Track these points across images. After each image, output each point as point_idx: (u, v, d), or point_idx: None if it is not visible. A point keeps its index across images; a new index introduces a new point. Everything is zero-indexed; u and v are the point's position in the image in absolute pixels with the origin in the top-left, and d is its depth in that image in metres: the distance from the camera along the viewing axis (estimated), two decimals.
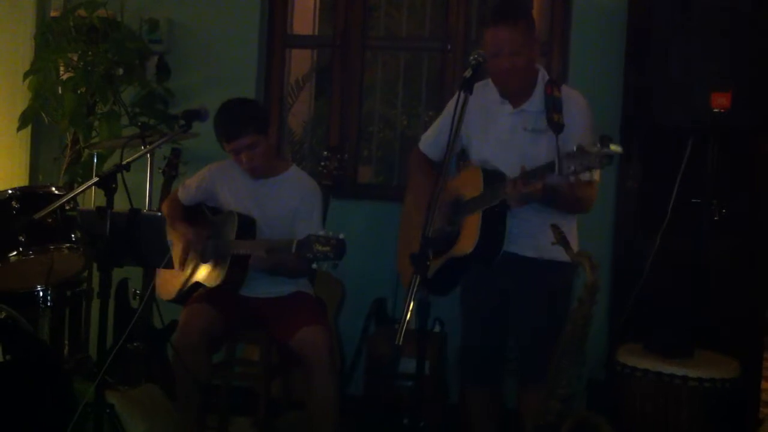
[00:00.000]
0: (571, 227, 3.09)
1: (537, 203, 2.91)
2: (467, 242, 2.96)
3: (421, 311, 2.55)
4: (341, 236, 2.99)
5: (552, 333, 2.90)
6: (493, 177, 2.95)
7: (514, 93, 3.04)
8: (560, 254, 2.92)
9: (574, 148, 2.52)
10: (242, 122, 3.36)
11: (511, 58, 2.92)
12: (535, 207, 2.95)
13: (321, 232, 3.01)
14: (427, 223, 2.53)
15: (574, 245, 3.04)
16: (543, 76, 3.04)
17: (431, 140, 3.31)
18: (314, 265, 3.05)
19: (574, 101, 2.98)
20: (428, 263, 2.50)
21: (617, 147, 2.47)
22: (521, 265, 3.04)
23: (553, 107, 2.80)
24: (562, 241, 2.93)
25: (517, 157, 2.90)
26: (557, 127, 2.70)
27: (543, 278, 3.05)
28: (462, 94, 2.66)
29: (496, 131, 3.05)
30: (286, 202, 3.46)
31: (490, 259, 2.99)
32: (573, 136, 2.75)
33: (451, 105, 3.26)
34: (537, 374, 2.96)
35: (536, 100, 2.99)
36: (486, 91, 3.05)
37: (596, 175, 2.83)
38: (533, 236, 3.01)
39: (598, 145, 2.47)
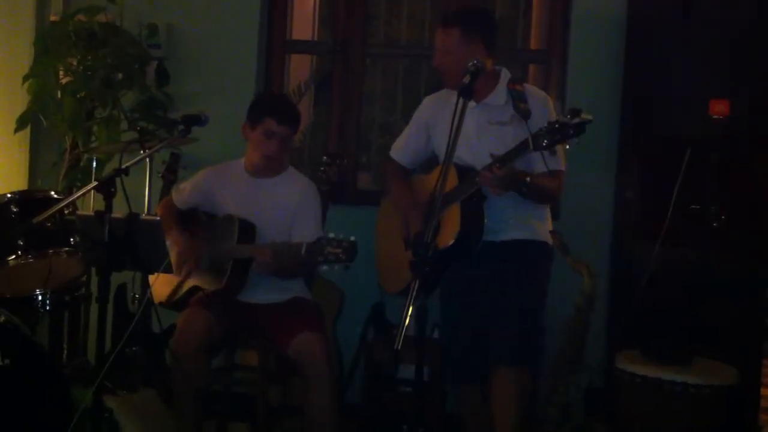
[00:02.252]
0: (545, 213, 3.20)
1: (514, 193, 3.00)
2: (448, 235, 3.01)
3: (419, 317, 2.55)
4: (352, 238, 3.00)
5: (522, 311, 2.98)
6: (465, 170, 3.05)
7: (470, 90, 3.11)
8: (534, 235, 3.05)
9: (546, 123, 2.70)
10: (295, 115, 3.50)
11: (440, 57, 3.17)
12: (513, 198, 3.01)
13: (331, 234, 3.02)
14: (427, 228, 2.54)
15: (547, 227, 3.16)
16: (506, 74, 3.20)
17: (401, 148, 3.43)
18: (325, 267, 3.04)
19: (537, 95, 3.14)
20: (428, 268, 2.50)
21: (588, 115, 2.60)
22: (493, 252, 3.10)
23: (519, 98, 2.99)
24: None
25: (485, 151, 2.99)
26: (525, 113, 2.89)
27: (519, 258, 3.12)
28: (461, 100, 2.70)
29: (463, 129, 3.08)
30: (285, 200, 3.48)
31: (472, 248, 3.04)
32: (537, 126, 2.85)
33: (419, 112, 3.42)
34: (508, 353, 2.99)
35: (499, 95, 3.13)
36: (450, 95, 3.13)
37: (562, 164, 2.95)
38: (507, 222, 3.11)
39: (569, 116, 2.64)
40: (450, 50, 3.13)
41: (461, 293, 3.22)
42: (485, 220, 3.05)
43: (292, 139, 3.55)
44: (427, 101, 3.41)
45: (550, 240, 3.16)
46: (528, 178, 2.96)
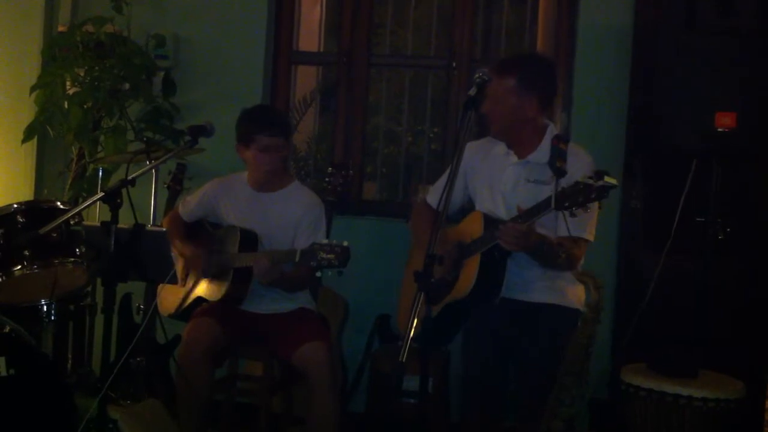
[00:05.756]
0: (572, 278, 3.08)
1: (527, 254, 2.90)
2: (465, 284, 2.95)
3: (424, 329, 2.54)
4: (345, 243, 3.00)
5: (552, 379, 2.91)
6: (493, 222, 2.96)
7: (517, 143, 3.06)
8: (562, 299, 2.95)
9: (571, 183, 2.56)
10: (283, 123, 3.50)
11: (491, 105, 3.00)
12: None
13: (324, 240, 3.02)
14: (432, 240, 2.53)
15: (577, 294, 3.04)
16: (551, 131, 3.08)
17: (437, 193, 3.24)
18: (319, 273, 3.05)
19: (579, 155, 2.99)
20: (432, 280, 2.50)
21: (612, 179, 2.51)
22: (523, 311, 3.03)
23: (558, 155, 2.83)
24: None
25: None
26: (559, 172, 2.70)
27: (544, 323, 3.03)
28: (467, 112, 2.69)
29: (500, 182, 3.06)
30: (289, 215, 3.47)
31: (489, 302, 2.98)
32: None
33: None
34: (533, 419, 2.97)
35: (542, 153, 2.98)
36: (493, 144, 3.09)
37: (587, 232, 2.89)
38: (534, 283, 3.01)
39: (594, 178, 2.51)
40: (502, 100, 3.00)
41: (486, 348, 3.13)
42: (505, 277, 2.94)
43: (287, 149, 3.52)
44: (469, 148, 3.19)
45: (577, 304, 3.05)
46: (548, 241, 2.85)
